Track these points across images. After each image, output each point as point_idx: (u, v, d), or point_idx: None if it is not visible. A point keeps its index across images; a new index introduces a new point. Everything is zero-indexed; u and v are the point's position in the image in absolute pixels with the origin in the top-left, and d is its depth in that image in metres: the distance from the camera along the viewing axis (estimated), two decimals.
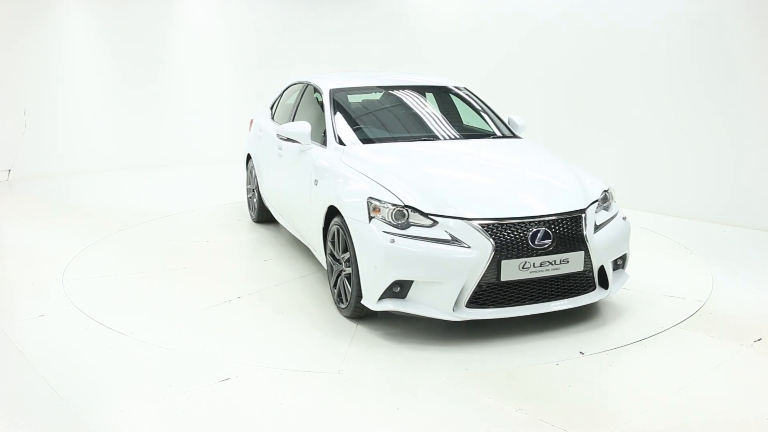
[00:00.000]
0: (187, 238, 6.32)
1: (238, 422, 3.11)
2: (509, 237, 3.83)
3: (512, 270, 3.81)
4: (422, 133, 5.18)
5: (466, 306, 3.84)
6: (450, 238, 3.81)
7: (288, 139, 5.23)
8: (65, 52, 9.53)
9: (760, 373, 3.63)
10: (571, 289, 4.07)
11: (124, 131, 10.15)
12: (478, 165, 4.70)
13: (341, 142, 4.87)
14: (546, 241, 3.87)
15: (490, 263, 3.77)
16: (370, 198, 4.02)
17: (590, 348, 3.90)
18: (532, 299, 3.96)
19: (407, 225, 3.88)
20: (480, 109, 5.56)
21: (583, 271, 4.03)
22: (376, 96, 5.70)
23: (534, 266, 3.84)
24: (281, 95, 6.60)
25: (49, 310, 4.46)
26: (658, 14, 7.37)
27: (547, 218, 3.91)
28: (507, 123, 5.45)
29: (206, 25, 10.78)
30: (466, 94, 5.70)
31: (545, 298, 3.99)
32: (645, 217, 7.23)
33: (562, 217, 3.96)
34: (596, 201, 4.22)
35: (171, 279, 5.14)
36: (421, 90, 5.65)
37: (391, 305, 3.90)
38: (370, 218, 3.97)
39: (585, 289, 4.11)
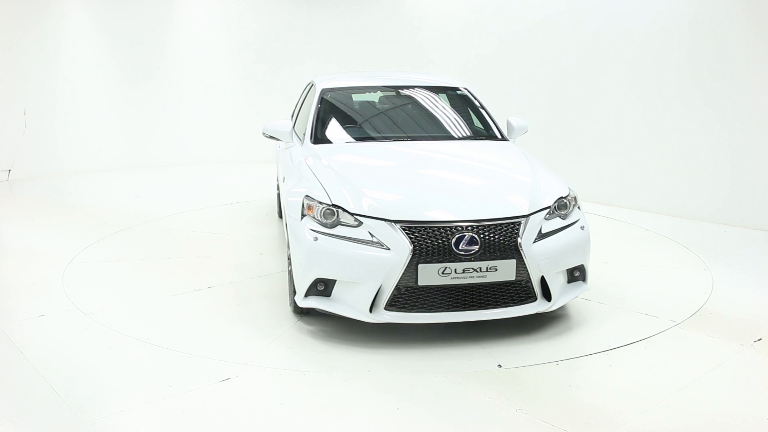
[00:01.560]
0: (206, 229, 6.49)
1: (238, 422, 3.11)
2: (430, 241, 3.72)
3: (430, 275, 3.70)
4: (400, 133, 5.20)
5: (386, 308, 3.78)
6: (371, 239, 3.78)
7: (271, 137, 5.33)
8: (65, 52, 9.53)
9: (760, 373, 3.63)
10: (506, 299, 3.87)
11: (124, 131, 10.16)
12: (432, 167, 4.61)
13: (316, 141, 4.96)
14: (472, 247, 3.72)
15: (408, 266, 3.69)
16: (306, 196, 4.07)
17: (589, 348, 3.90)
18: (459, 306, 3.81)
19: (336, 224, 3.88)
20: (474, 109, 5.50)
21: (518, 281, 3.83)
22: (372, 96, 5.72)
23: (456, 272, 3.71)
24: (301, 94, 6.69)
25: (49, 310, 4.46)
26: (657, 13, 7.37)
27: (474, 223, 3.76)
28: (498, 124, 5.34)
29: (207, 26, 10.78)
30: (463, 94, 5.64)
31: (476, 306, 3.82)
32: (644, 216, 7.23)
33: (492, 223, 3.79)
34: (547, 208, 4.01)
35: (163, 268, 5.21)
36: (419, 90, 5.64)
37: (315, 302, 3.93)
38: (302, 216, 4.02)
39: (523, 300, 3.91)
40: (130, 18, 9.99)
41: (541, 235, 3.92)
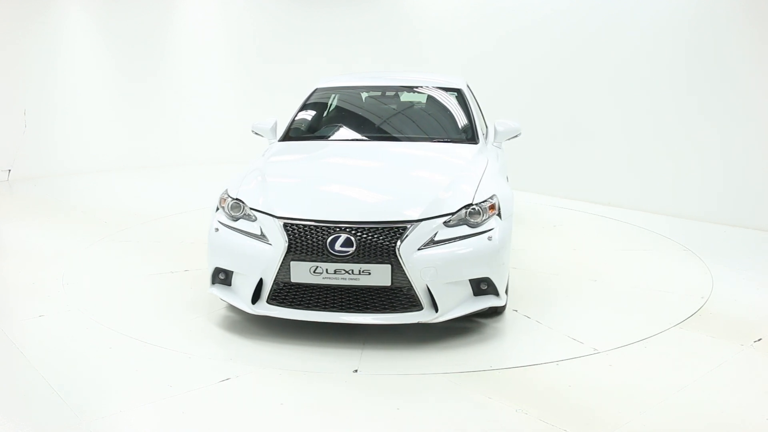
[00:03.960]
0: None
1: (238, 422, 3.11)
2: (306, 239, 3.76)
3: (302, 272, 3.74)
4: (369, 133, 5.23)
5: (269, 302, 3.87)
6: (260, 234, 3.90)
7: (256, 134, 5.49)
8: (65, 52, 9.54)
9: (760, 374, 3.63)
10: (386, 305, 3.77)
11: (125, 131, 10.16)
12: (361, 168, 4.60)
13: (285, 138, 5.20)
14: (347, 249, 3.70)
15: (282, 262, 3.76)
16: (226, 190, 4.25)
17: (589, 348, 3.90)
18: (335, 306, 3.79)
19: (240, 217, 4.04)
20: (461, 110, 5.36)
21: (398, 288, 3.73)
22: (362, 96, 5.77)
23: (327, 272, 3.71)
24: None
25: (49, 310, 4.46)
26: (657, 13, 7.37)
27: (351, 225, 3.73)
28: (476, 127, 5.13)
29: (207, 26, 10.79)
30: (456, 95, 5.51)
31: (353, 308, 3.78)
32: (644, 216, 7.23)
33: (369, 226, 3.73)
34: (447, 215, 3.85)
35: (164, 269, 5.16)
36: (412, 91, 5.66)
37: (216, 291, 4.12)
38: (217, 208, 4.22)
39: (406, 308, 3.77)
40: (129, 18, 9.99)
41: (434, 243, 3.78)
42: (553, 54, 8.40)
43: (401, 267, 3.69)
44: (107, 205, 7.70)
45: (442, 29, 9.70)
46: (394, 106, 5.64)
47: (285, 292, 3.84)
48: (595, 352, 3.84)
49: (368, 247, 3.71)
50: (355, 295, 3.78)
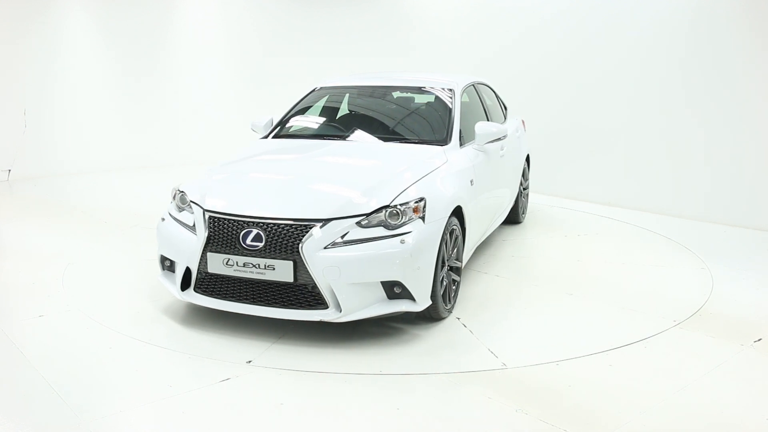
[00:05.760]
0: None
1: (238, 422, 3.11)
2: (222, 231, 3.94)
3: (217, 264, 3.92)
4: (335, 133, 5.31)
5: (196, 290, 4.08)
6: (192, 225, 4.10)
7: (255, 131, 5.61)
8: (65, 52, 9.53)
9: (760, 373, 3.64)
10: (292, 301, 3.84)
11: (125, 131, 10.15)
12: (300, 165, 4.65)
13: (268, 135, 5.44)
14: (257, 244, 3.83)
15: (202, 253, 3.96)
16: (180, 183, 4.47)
17: (589, 348, 3.90)
18: (248, 299, 3.93)
19: (185, 209, 4.25)
20: (443, 112, 5.23)
21: (302, 285, 3.79)
22: (362, 95, 5.77)
23: (237, 265, 3.86)
24: None
25: (49, 310, 4.46)
26: (658, 13, 7.38)
27: (260, 220, 3.85)
28: (452, 130, 4.96)
29: (207, 27, 10.79)
30: (448, 96, 5.35)
31: (262, 301, 3.89)
32: (643, 216, 7.23)
33: (276, 222, 3.82)
34: (360, 215, 3.85)
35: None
36: (409, 91, 5.66)
37: (161, 278, 4.34)
38: (171, 201, 4.42)
39: (311, 305, 3.82)
40: (129, 18, 9.99)
41: (344, 243, 3.78)
42: (556, 54, 8.40)
43: (304, 265, 3.77)
44: (107, 205, 7.70)
45: (442, 30, 9.70)
46: (378, 107, 5.62)
47: (207, 281, 4.03)
48: (504, 367, 3.66)
49: (275, 243, 3.83)
50: (264, 288, 3.90)
